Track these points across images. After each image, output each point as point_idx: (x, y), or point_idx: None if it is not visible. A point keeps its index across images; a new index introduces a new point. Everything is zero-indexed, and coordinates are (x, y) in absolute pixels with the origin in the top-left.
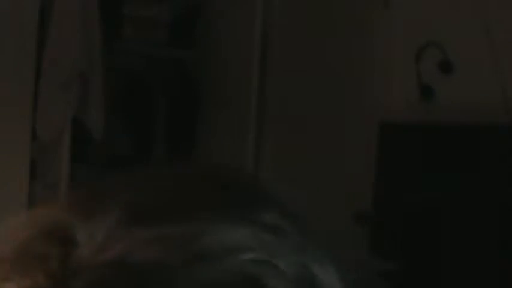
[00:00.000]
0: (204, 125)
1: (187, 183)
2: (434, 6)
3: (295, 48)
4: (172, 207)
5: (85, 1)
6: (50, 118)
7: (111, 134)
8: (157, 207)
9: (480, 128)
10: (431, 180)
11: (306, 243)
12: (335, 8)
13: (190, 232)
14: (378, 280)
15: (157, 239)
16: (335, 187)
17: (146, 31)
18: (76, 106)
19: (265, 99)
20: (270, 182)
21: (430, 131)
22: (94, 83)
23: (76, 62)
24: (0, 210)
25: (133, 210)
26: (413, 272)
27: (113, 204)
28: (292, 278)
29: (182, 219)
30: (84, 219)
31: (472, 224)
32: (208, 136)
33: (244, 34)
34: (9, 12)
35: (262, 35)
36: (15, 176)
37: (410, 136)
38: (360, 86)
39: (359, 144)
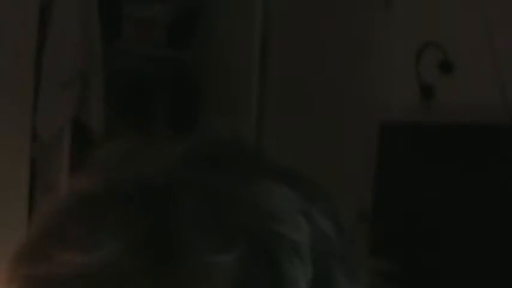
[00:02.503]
0: (204, 125)
1: None
2: (434, 6)
3: (295, 48)
4: None
5: (85, 1)
6: (50, 118)
7: (111, 134)
8: None
9: (480, 128)
10: (431, 180)
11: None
12: (335, 8)
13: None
14: (378, 280)
15: None
16: (335, 187)
17: (146, 31)
18: (76, 106)
19: (265, 99)
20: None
21: (430, 131)
22: (94, 82)
23: (76, 62)
24: (1, 211)
25: None
26: (413, 272)
27: None
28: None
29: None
30: None
31: (472, 224)
32: None
33: (244, 34)
34: (9, 12)
35: (262, 35)
36: (15, 176)
37: (410, 136)
38: (360, 86)
39: (359, 144)
